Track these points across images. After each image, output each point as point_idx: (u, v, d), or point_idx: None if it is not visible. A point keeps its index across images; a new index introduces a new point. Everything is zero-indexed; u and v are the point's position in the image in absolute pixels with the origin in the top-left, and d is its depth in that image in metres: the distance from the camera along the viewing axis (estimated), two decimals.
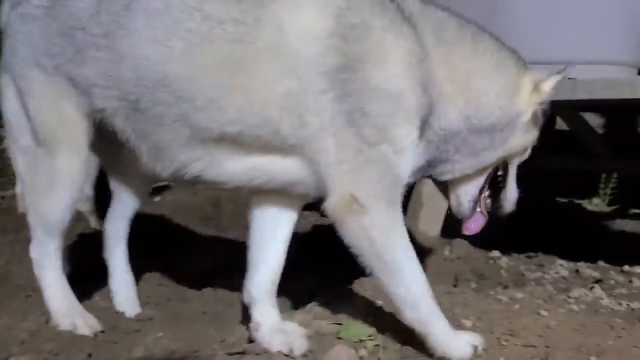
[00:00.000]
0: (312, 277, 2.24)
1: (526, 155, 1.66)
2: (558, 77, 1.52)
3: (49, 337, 1.56)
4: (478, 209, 1.65)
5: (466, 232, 1.70)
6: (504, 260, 2.66)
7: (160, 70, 1.41)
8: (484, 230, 1.71)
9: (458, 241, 2.71)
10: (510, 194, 1.67)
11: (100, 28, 1.46)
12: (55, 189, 1.61)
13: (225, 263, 2.35)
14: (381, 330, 1.53)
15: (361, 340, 1.47)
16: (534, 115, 1.55)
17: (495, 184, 1.67)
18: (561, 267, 2.58)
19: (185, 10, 1.41)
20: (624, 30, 2.34)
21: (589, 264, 2.61)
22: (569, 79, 2.00)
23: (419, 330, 1.38)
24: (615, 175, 3.75)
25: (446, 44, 1.46)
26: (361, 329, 1.51)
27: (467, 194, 1.63)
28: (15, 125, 1.65)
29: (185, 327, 1.71)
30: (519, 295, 1.81)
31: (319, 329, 1.52)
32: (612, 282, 2.36)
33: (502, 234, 2.44)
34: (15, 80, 1.61)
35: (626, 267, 2.53)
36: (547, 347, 1.41)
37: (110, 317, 1.78)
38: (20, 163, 1.69)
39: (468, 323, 1.55)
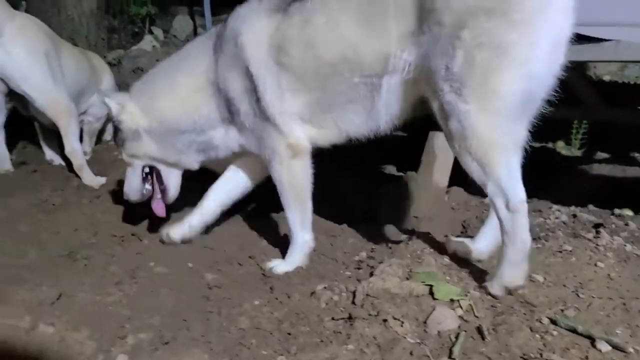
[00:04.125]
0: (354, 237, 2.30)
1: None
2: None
3: None
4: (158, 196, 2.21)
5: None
6: None
7: None
8: None
9: (455, 189, 2.83)
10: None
11: None
12: None
13: None
14: (466, 287, 1.62)
15: (452, 300, 1.55)
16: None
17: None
18: (559, 212, 2.72)
19: None
20: None
21: (580, 208, 2.77)
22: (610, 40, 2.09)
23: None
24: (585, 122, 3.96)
25: None
26: (450, 288, 1.59)
27: None
28: None
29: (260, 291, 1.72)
30: (567, 247, 1.94)
31: (412, 291, 1.58)
32: (613, 226, 2.54)
33: None
34: None
35: (617, 211, 2.71)
36: (621, 297, 1.56)
37: (196, 282, 1.78)
38: None
39: (540, 278, 1.68)
